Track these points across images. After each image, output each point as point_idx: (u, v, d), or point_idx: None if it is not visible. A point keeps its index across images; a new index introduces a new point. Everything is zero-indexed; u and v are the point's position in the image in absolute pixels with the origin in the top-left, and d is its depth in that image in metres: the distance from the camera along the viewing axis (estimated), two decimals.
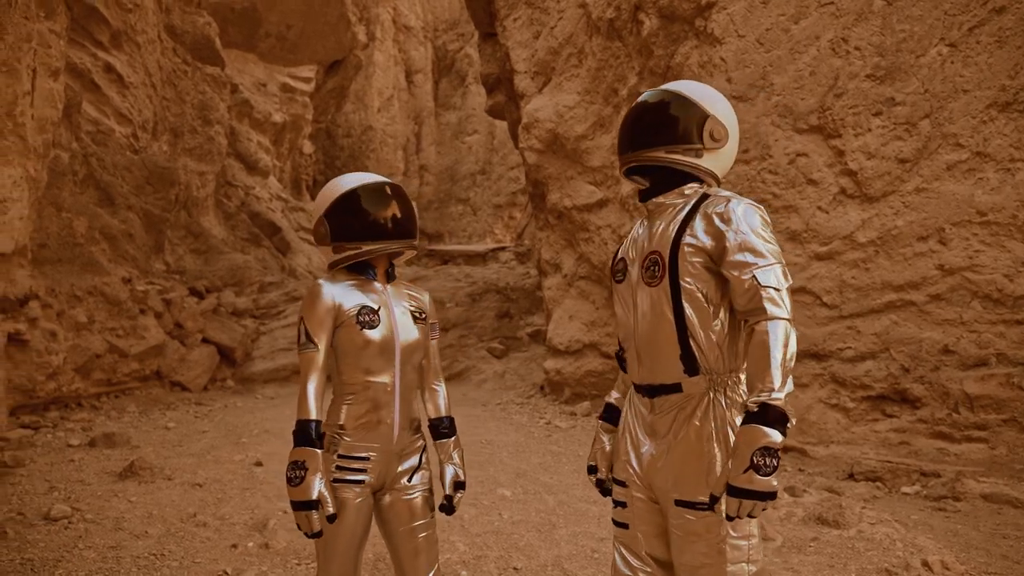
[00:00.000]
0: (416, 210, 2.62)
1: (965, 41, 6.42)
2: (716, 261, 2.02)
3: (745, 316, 1.99)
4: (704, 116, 2.13)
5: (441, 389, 2.78)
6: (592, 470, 2.43)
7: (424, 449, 2.64)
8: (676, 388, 2.08)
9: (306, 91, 20.04)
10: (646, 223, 2.24)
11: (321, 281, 2.49)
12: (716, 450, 2.01)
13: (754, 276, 1.93)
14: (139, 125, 11.38)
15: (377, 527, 2.57)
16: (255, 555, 4.22)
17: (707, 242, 2.03)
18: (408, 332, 2.54)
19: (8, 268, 7.63)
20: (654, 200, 2.19)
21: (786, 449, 6.81)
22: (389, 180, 2.61)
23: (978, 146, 6.35)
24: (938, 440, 6.36)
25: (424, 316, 2.63)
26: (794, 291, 6.97)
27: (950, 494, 5.33)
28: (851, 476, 5.97)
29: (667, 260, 2.07)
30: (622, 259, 2.26)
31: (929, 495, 5.45)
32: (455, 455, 2.68)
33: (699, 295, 2.04)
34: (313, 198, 27.00)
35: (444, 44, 35.77)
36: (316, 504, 2.25)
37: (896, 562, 3.81)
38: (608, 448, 2.40)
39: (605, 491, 2.37)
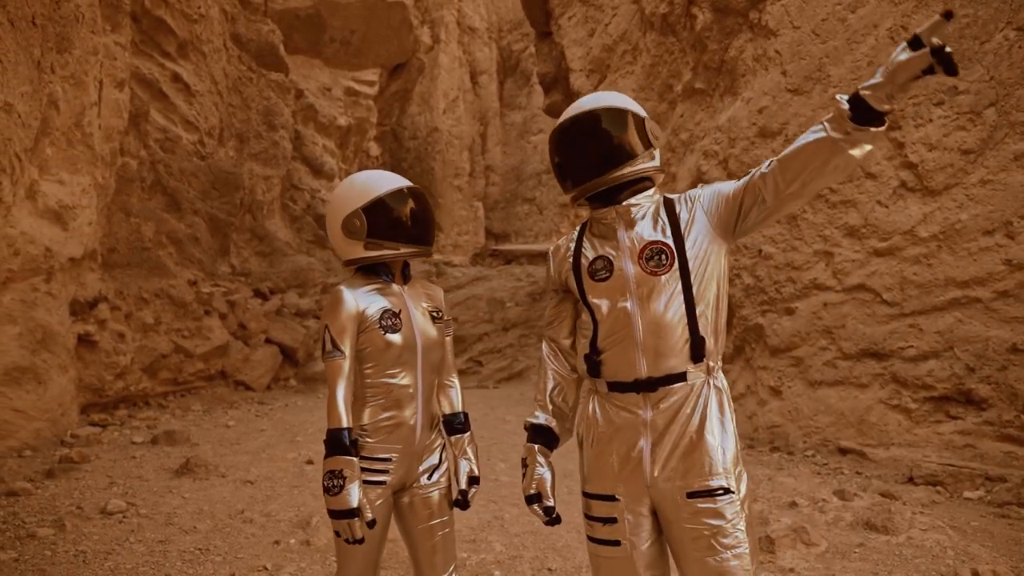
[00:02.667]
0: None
1: None
2: (719, 215, 2.13)
3: (763, 185, 2.05)
4: (641, 119, 2.20)
5: (455, 385, 2.77)
6: (533, 499, 2.26)
7: (444, 447, 2.65)
8: (681, 377, 2.08)
9: (370, 94, 20.32)
10: (611, 225, 2.20)
11: (342, 288, 2.48)
12: (716, 434, 2.08)
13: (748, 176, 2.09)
14: (205, 132, 11.71)
15: (396, 524, 2.59)
16: (296, 552, 4.29)
17: (701, 211, 2.15)
18: (428, 333, 2.55)
19: (78, 272, 7.95)
20: (627, 203, 2.18)
21: (844, 451, 6.62)
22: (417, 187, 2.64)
23: None
24: (1005, 443, 6.07)
25: (441, 314, 2.63)
26: (853, 288, 6.80)
27: (1015, 500, 5.08)
28: (910, 480, 5.75)
29: (674, 247, 2.10)
30: (600, 258, 2.19)
31: (993, 501, 5.21)
32: (469, 450, 2.67)
33: (711, 279, 2.11)
34: None
35: (509, 44, 35.89)
36: (357, 512, 2.28)
37: (945, 571, 3.65)
38: (548, 473, 2.27)
39: (555, 520, 2.25)
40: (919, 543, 3.99)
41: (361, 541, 2.31)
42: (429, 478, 2.57)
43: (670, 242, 2.11)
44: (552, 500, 2.23)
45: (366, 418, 2.50)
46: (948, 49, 1.68)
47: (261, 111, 14.21)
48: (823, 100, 7.03)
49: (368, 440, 2.48)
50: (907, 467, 6.01)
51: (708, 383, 2.11)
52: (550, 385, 2.33)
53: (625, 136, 2.16)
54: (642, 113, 2.23)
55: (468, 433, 2.71)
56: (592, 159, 2.17)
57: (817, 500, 4.71)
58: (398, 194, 2.51)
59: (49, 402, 6.95)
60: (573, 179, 2.21)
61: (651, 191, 2.22)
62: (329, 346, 2.42)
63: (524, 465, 2.28)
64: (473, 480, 2.62)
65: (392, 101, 22.41)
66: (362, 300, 2.46)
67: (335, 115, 19.05)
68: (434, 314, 2.59)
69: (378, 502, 2.46)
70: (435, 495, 2.57)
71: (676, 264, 2.09)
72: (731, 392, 7.50)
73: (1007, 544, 4.26)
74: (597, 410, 2.22)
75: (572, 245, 2.30)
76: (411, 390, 2.50)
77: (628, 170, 2.15)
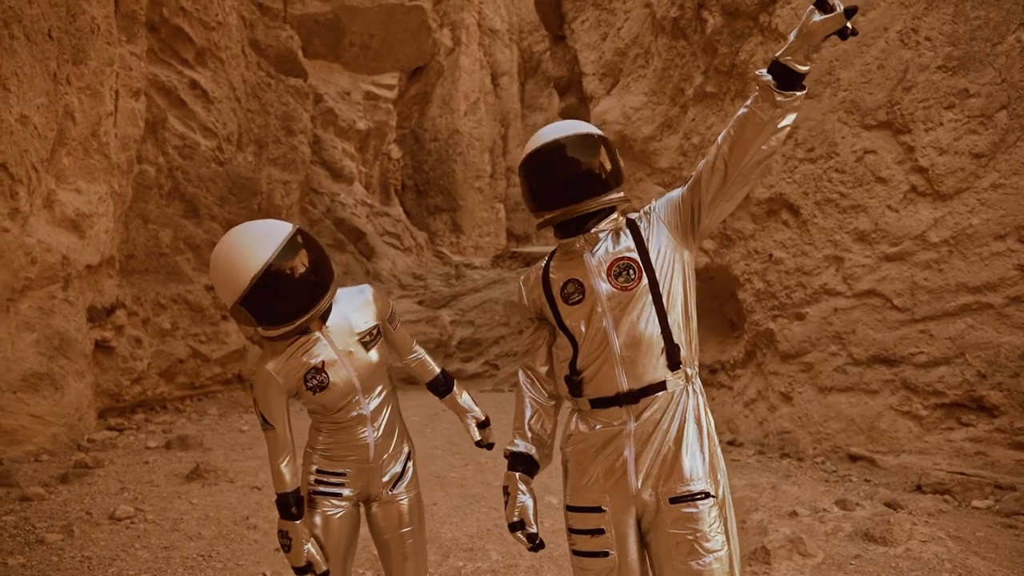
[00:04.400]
0: (321, 248, 2.50)
1: None
2: (676, 221, 2.19)
3: (708, 182, 2.11)
4: (613, 149, 2.27)
5: (421, 355, 2.85)
6: (517, 526, 2.27)
7: (410, 455, 2.70)
8: (661, 387, 2.15)
9: (389, 98, 20.47)
10: (579, 251, 2.25)
11: (264, 365, 2.46)
12: (697, 440, 2.15)
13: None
14: (224, 138, 11.85)
15: (369, 534, 2.70)
16: None
17: (659, 222, 2.21)
18: (364, 367, 2.54)
19: (96, 279, 8.09)
20: (595, 230, 2.24)
21: (854, 457, 6.57)
22: (291, 231, 2.39)
23: None
24: (1017, 451, 5.99)
25: (376, 333, 2.60)
26: (863, 293, 6.75)
27: (1023, 510, 5.03)
28: (918, 488, 5.70)
29: (641, 260, 2.17)
30: (571, 281, 2.24)
31: (1002, 510, 5.15)
32: (463, 402, 2.83)
33: (678, 287, 2.18)
34: (403, 203, 27.55)
35: (530, 46, 35.91)
36: (308, 567, 2.45)
37: None
38: (530, 501, 2.28)
39: (538, 546, 2.28)
40: (917, 555, 3.96)
41: None
42: (393, 488, 2.64)
43: (635, 256, 2.18)
44: (535, 527, 2.27)
45: (319, 443, 2.60)
46: (855, 11, 1.88)
47: (280, 116, 14.35)
48: (833, 104, 6.98)
49: (323, 457, 2.58)
50: (916, 475, 5.95)
51: (687, 390, 2.18)
52: (528, 413, 2.37)
53: (608, 166, 2.22)
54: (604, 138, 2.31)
55: (454, 388, 2.83)
56: (579, 184, 2.20)
57: (818, 510, 4.69)
58: (266, 276, 2.28)
59: (66, 407, 7.08)
60: (552, 202, 2.22)
61: (615, 215, 2.28)
62: (262, 420, 2.50)
63: (506, 493, 2.31)
64: (483, 424, 2.80)
65: (411, 104, 22.52)
66: (284, 369, 2.45)
67: (354, 119, 19.20)
68: (366, 340, 2.55)
69: (338, 514, 2.56)
70: (403, 504, 2.66)
71: (644, 276, 2.15)
72: (742, 397, 7.46)
73: (1010, 556, 4.21)
74: (581, 426, 2.27)
75: (540, 274, 2.35)
76: (359, 417, 2.56)
77: (604, 199, 2.21)
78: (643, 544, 2.21)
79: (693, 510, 2.08)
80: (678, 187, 2.23)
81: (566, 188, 2.19)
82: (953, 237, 6.34)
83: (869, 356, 6.72)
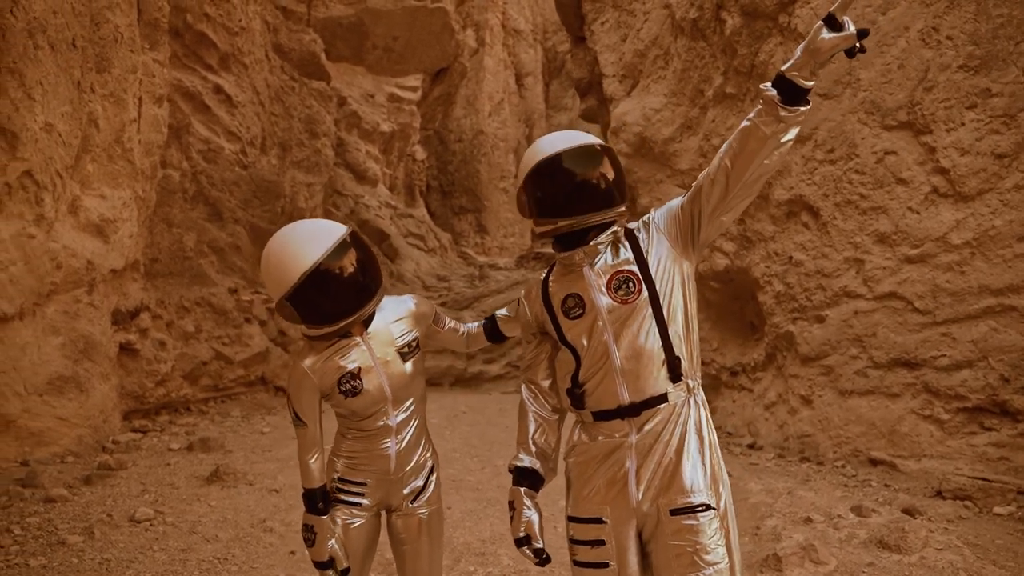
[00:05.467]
0: (372, 253, 2.56)
1: None
2: (676, 232, 2.19)
3: (710, 193, 2.10)
4: (618, 162, 2.28)
5: (467, 327, 2.85)
6: (523, 541, 2.30)
7: (433, 469, 2.71)
8: (663, 399, 2.15)
9: (413, 100, 20.54)
10: (578, 264, 2.25)
11: (300, 362, 2.49)
12: (699, 451, 2.16)
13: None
14: (247, 141, 11.97)
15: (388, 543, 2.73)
16: (311, 562, 4.38)
17: (658, 233, 2.21)
18: (398, 378, 2.54)
19: (121, 283, 8.23)
20: (594, 243, 2.23)
21: (874, 462, 6.50)
22: (344, 233, 2.43)
23: None
24: None
25: (416, 346, 2.61)
26: (884, 296, 6.67)
27: None
28: (939, 494, 5.63)
29: (640, 272, 2.17)
30: (571, 296, 2.24)
31: None
32: None
33: (678, 298, 2.18)
34: (427, 204, 27.65)
35: (554, 46, 35.83)
36: (331, 563, 2.49)
37: None
38: (536, 515, 2.30)
39: (545, 560, 2.30)
40: (931, 563, 3.91)
41: None
42: (413, 502, 2.65)
43: (635, 268, 2.18)
44: (541, 542, 2.29)
45: (343, 449, 2.62)
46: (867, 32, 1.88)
47: (303, 119, 14.46)
48: (852, 104, 6.91)
49: (345, 466, 2.60)
50: (937, 480, 5.87)
51: (688, 401, 2.19)
52: (532, 427, 2.38)
53: (613, 178, 2.24)
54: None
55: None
56: (587, 195, 2.20)
57: (833, 516, 4.65)
58: (316, 273, 2.32)
59: (91, 409, 7.20)
60: (557, 212, 2.21)
61: (615, 227, 2.27)
62: (293, 417, 2.53)
63: (511, 508, 2.33)
64: None
65: (435, 106, 22.60)
66: (320, 369, 2.47)
67: (378, 121, 19.30)
68: (404, 351, 2.56)
69: (357, 523, 2.58)
70: (423, 517, 2.66)
71: (644, 289, 2.15)
72: (763, 400, 7.40)
73: None
74: (584, 437, 2.29)
75: (540, 288, 2.35)
76: (385, 428, 2.56)
77: (610, 213, 2.21)
78: (644, 556, 2.22)
79: (693, 522, 2.09)
80: (677, 197, 2.23)
81: (574, 199, 2.19)
82: (975, 239, 6.24)
83: (890, 359, 6.65)
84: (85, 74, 7.09)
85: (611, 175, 2.22)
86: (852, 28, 1.86)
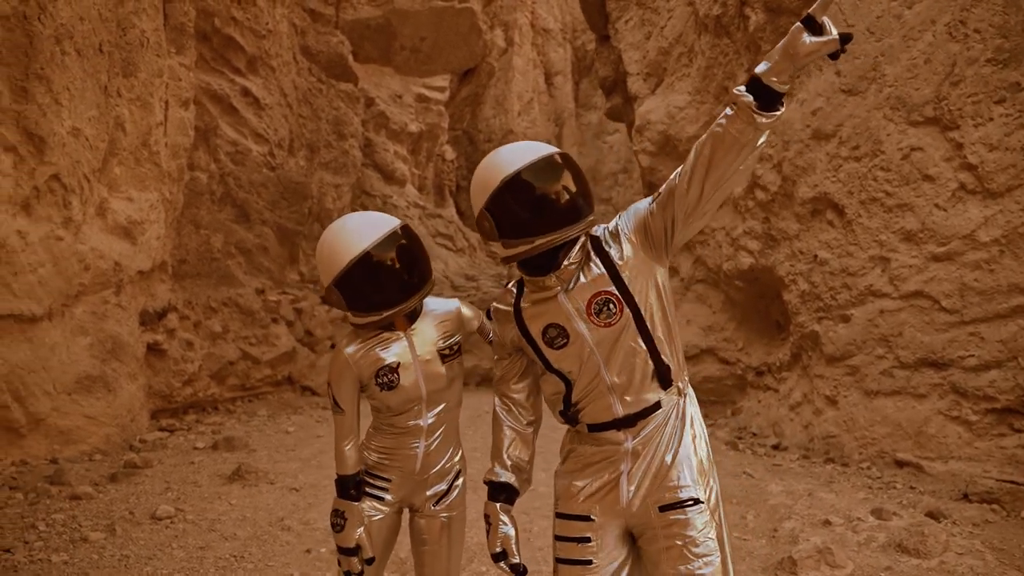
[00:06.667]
0: (423, 248, 2.55)
1: None
2: (647, 238, 2.12)
3: (684, 195, 2.02)
4: (579, 170, 2.20)
5: None
6: (500, 556, 2.28)
7: (459, 474, 2.71)
8: (656, 407, 2.16)
9: (441, 100, 20.59)
10: (552, 288, 2.18)
11: (343, 349, 2.53)
12: (690, 447, 2.16)
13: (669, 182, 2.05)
14: (275, 143, 12.09)
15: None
16: (326, 560, 4.43)
17: (628, 243, 2.13)
18: (435, 378, 2.55)
19: (148, 284, 8.35)
20: (565, 265, 2.15)
21: (900, 463, 6.39)
22: (396, 225, 2.47)
23: None
24: None
25: (457, 350, 2.61)
26: (910, 295, 6.55)
27: None
28: (965, 497, 5.51)
29: (619, 291, 2.12)
30: (551, 326, 2.18)
31: None
32: None
33: (656, 305, 2.14)
34: (457, 203, 27.73)
35: (583, 44, 35.69)
36: (357, 550, 2.48)
37: None
38: (512, 530, 2.29)
39: (522, 574, 2.28)
40: (951, 568, 3.84)
41: (360, 575, 2.50)
42: (436, 505, 2.66)
43: (612, 288, 2.12)
44: (518, 557, 2.28)
45: (374, 444, 2.64)
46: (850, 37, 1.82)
47: (331, 121, 14.56)
48: (878, 100, 6.80)
49: (372, 459, 2.62)
50: (964, 482, 5.76)
51: (679, 404, 2.19)
52: (506, 441, 2.36)
53: (577, 189, 2.14)
54: None
55: None
56: (568, 207, 2.10)
57: (852, 519, 4.58)
58: (364, 260, 2.36)
59: (119, 409, 7.32)
60: (521, 232, 2.11)
61: (581, 240, 2.19)
62: (332, 403, 2.57)
63: (487, 523, 2.32)
64: None
65: (463, 106, 22.65)
66: (361, 358, 2.50)
67: (406, 121, 19.38)
68: (444, 352, 2.56)
69: (378, 516, 2.59)
70: (444, 521, 2.68)
71: (625, 308, 2.11)
72: (788, 400, 7.31)
73: None
74: (579, 444, 2.29)
75: (512, 313, 2.27)
76: (416, 427, 2.58)
77: (579, 227, 2.12)
78: (637, 554, 2.23)
79: (682, 516, 2.09)
80: (643, 200, 2.17)
81: (547, 214, 2.08)
82: (1004, 236, 6.11)
83: (917, 359, 6.53)
84: (112, 78, 7.21)
85: (579, 184, 2.14)
86: (834, 32, 1.80)
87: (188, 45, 8.81)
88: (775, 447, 7.45)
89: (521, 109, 31.32)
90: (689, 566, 2.05)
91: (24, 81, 6.07)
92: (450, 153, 27.83)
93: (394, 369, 2.49)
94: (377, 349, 2.50)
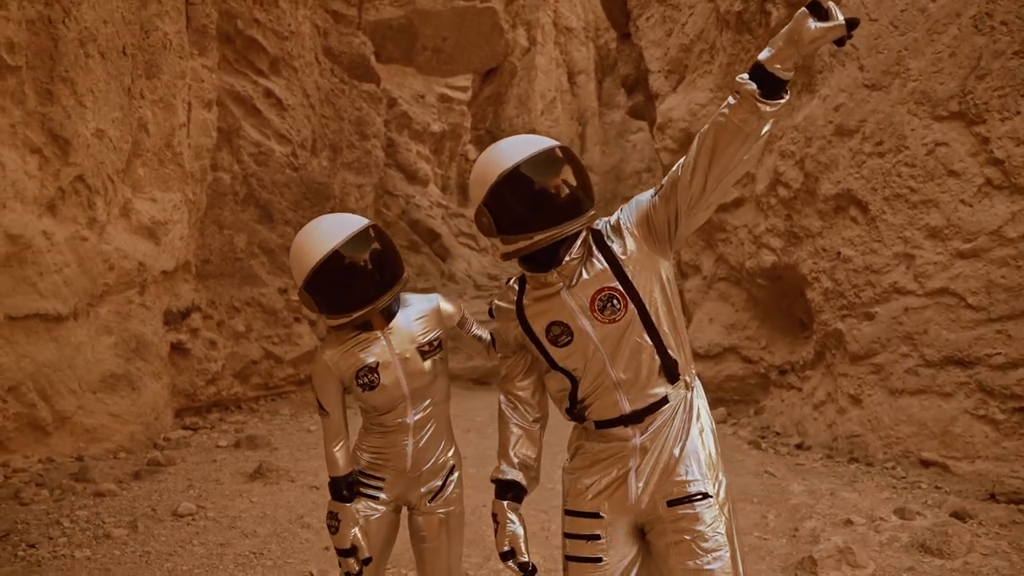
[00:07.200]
0: (394, 246, 2.55)
1: None
2: (650, 232, 2.09)
3: (688, 187, 2.00)
4: (580, 163, 2.19)
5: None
6: (508, 555, 2.26)
7: (453, 469, 2.72)
8: (664, 401, 2.14)
9: (463, 100, 20.66)
10: (554, 285, 2.16)
11: (321, 355, 2.54)
12: (697, 441, 2.14)
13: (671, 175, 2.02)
14: (298, 144, 12.16)
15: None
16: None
17: (631, 237, 2.10)
18: (416, 375, 2.55)
19: (172, 284, 8.44)
20: (566, 261, 2.13)
21: (926, 463, 6.30)
22: (364, 225, 2.46)
23: None
24: None
25: (437, 345, 2.61)
26: (935, 292, 6.46)
27: None
28: (992, 497, 5.42)
29: (623, 287, 2.09)
30: (555, 324, 2.16)
31: None
32: None
33: (660, 300, 2.12)
34: None
35: (606, 43, 35.58)
36: (353, 551, 2.50)
37: None
38: (520, 529, 2.27)
39: (530, 573, 2.27)
40: (975, 569, 3.77)
41: (359, 575, 2.53)
42: (431, 501, 2.67)
43: (616, 284, 2.09)
44: (526, 556, 2.27)
45: (366, 442, 2.66)
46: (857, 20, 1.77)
47: (353, 121, 14.63)
48: (902, 95, 6.70)
49: (365, 459, 2.64)
50: (991, 482, 5.66)
51: (686, 397, 2.17)
52: (512, 439, 2.34)
53: (577, 182, 2.12)
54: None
55: None
56: (568, 201, 2.08)
57: (875, 519, 4.52)
58: (332, 260, 2.36)
59: (143, 407, 7.40)
60: (522, 228, 2.09)
61: (583, 235, 2.17)
62: (318, 406, 2.59)
63: (495, 521, 2.31)
64: None
65: (485, 105, 22.69)
66: (340, 361, 2.51)
67: (429, 121, 19.45)
68: (424, 349, 2.56)
69: (375, 515, 2.61)
70: (443, 515, 2.68)
71: (629, 303, 2.08)
72: (812, 399, 7.23)
73: None
74: (586, 441, 2.28)
75: (515, 311, 2.25)
76: (403, 425, 2.58)
77: (580, 221, 2.09)
78: (647, 550, 2.22)
79: (690, 511, 2.08)
80: (645, 192, 2.15)
81: (548, 209, 2.07)
82: None
83: (942, 357, 6.43)
84: (135, 80, 7.29)
85: (580, 178, 2.11)
86: (840, 17, 1.75)
87: (211, 47, 8.90)
88: (798, 446, 7.38)
89: (544, 108, 31.31)
90: (698, 560, 2.04)
91: (49, 84, 6.15)
92: (473, 153, 27.85)
93: (374, 369, 2.49)
94: (356, 350, 2.50)
